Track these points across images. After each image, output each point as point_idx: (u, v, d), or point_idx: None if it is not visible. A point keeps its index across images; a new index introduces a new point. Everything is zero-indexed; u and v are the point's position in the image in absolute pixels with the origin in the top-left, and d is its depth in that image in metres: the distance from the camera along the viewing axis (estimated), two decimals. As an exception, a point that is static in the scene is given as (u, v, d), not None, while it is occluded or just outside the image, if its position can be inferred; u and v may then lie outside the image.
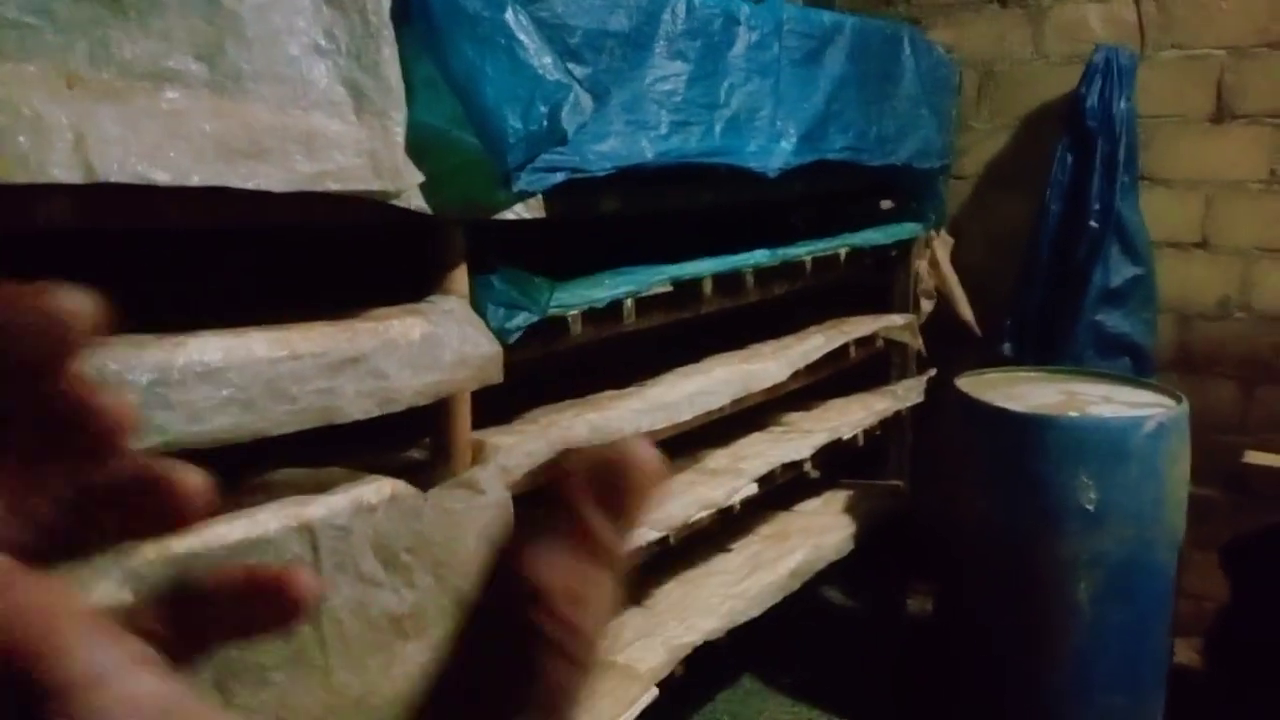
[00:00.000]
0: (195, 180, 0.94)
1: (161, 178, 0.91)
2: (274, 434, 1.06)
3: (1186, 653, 2.57)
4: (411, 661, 1.22)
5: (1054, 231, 2.71)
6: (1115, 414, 2.17)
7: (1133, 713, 2.21)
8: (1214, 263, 2.69)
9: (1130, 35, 2.69)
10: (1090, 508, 2.07)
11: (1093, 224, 2.63)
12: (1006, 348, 2.78)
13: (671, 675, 1.84)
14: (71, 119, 0.86)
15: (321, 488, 1.20)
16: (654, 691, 1.76)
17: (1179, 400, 2.21)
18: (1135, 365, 2.65)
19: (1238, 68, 2.59)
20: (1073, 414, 2.16)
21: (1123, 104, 2.60)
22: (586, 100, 1.20)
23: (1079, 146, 2.66)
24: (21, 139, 0.82)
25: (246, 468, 1.27)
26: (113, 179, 0.87)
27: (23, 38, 0.85)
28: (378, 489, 1.22)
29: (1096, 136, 2.62)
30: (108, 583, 0.99)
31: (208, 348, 1.01)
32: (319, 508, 1.16)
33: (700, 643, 1.92)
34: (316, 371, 1.10)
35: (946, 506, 2.41)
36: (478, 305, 1.40)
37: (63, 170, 0.85)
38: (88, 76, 0.89)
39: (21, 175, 0.82)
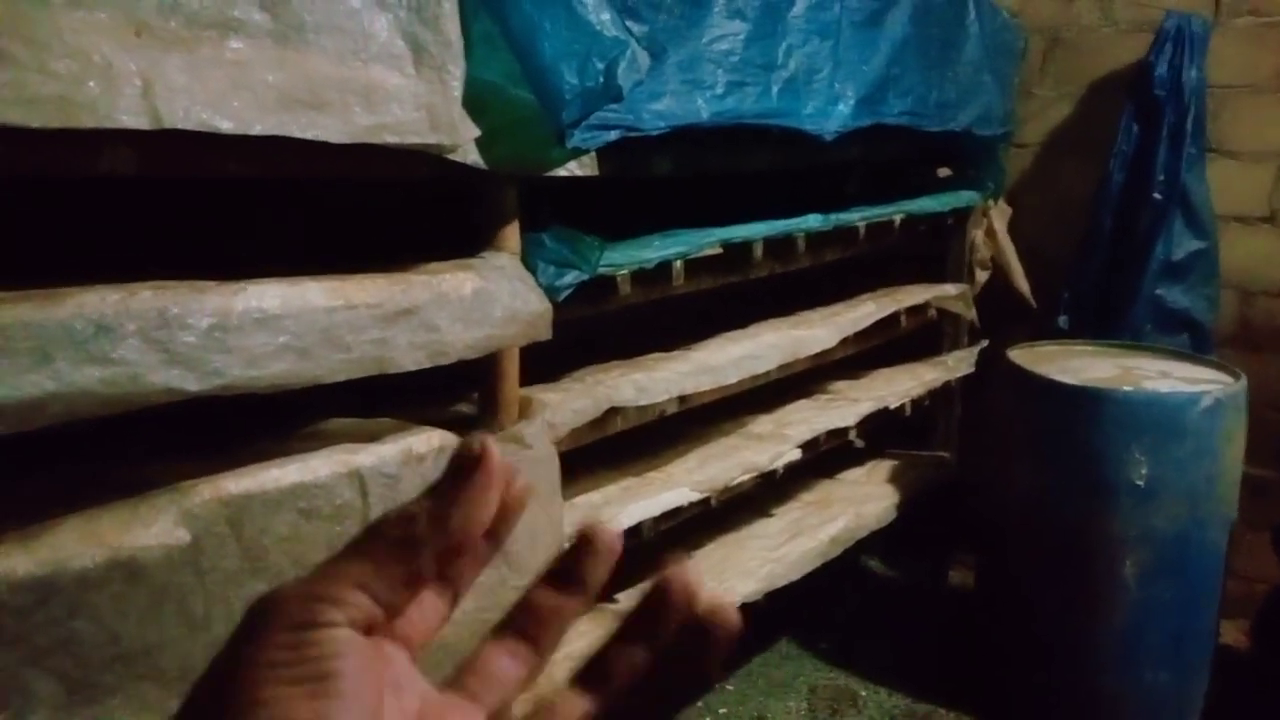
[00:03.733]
0: (257, 129, 0.96)
1: (225, 126, 0.93)
2: (328, 381, 1.08)
3: (1234, 634, 2.54)
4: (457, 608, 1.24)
5: (1116, 203, 2.66)
6: (1171, 389, 2.13)
7: (1177, 691, 2.19)
8: (1282, 238, 2.62)
9: (1203, 2, 2.61)
10: (1141, 484, 2.04)
11: (1156, 196, 2.57)
12: (1062, 320, 2.74)
13: (710, 635, 1.86)
14: (140, 67, 0.88)
15: (372, 437, 1.23)
16: (692, 650, 1.77)
17: (1237, 377, 2.17)
18: (1194, 341, 2.60)
19: (1316, 37, 2.51)
20: (1127, 388, 2.13)
21: (1193, 73, 2.53)
22: (643, 57, 1.20)
23: (1145, 116, 2.60)
24: (91, 84, 0.84)
25: (300, 416, 1.30)
26: (179, 126, 0.89)
27: (93, -15, 0.87)
28: (427, 439, 1.24)
29: (1164, 106, 2.55)
30: (165, 521, 1.03)
31: (266, 295, 1.03)
32: (369, 456, 1.18)
33: (738, 604, 1.93)
34: (371, 322, 1.12)
35: (994, 479, 2.39)
36: (528, 263, 1.41)
37: (130, 116, 0.86)
38: (155, 25, 0.91)
39: (90, 120, 0.84)
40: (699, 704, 2.34)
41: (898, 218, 2.35)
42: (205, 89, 0.91)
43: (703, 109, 1.57)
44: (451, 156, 1.19)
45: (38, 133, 0.83)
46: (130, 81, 0.87)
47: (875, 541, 2.43)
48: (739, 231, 1.83)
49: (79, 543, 0.94)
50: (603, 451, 1.82)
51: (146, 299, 0.94)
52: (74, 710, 0.94)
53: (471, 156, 1.22)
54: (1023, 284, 2.84)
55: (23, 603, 0.90)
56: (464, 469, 0.35)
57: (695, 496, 1.86)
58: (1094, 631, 2.14)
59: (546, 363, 1.62)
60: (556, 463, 1.43)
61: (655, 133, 1.48)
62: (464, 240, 1.37)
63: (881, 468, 2.68)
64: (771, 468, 2.05)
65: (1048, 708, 2.23)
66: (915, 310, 2.55)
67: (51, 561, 0.91)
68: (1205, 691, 2.23)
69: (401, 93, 1.09)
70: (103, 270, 0.97)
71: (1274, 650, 2.53)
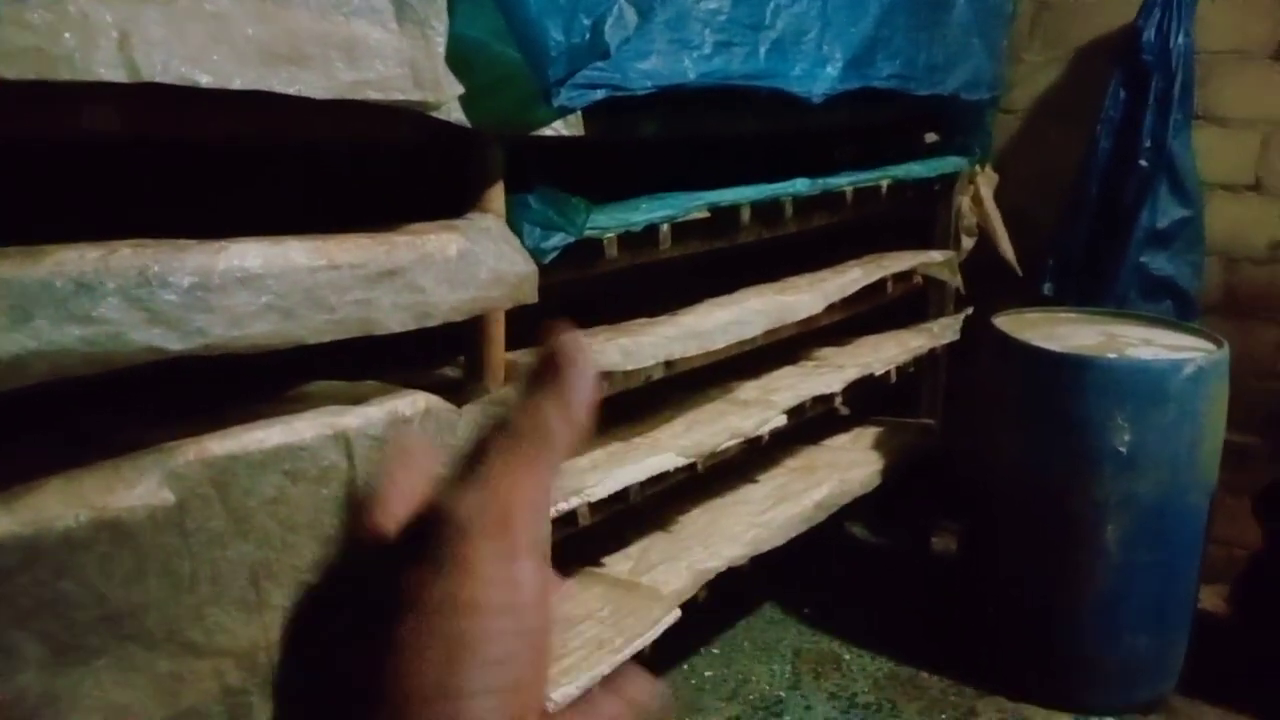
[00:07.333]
0: (237, 84, 0.94)
1: (205, 80, 0.91)
2: (312, 342, 1.07)
3: (1213, 599, 2.57)
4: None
5: (1103, 170, 2.65)
6: (1154, 356, 2.14)
7: (1156, 654, 2.22)
8: (1267, 205, 2.62)
9: (1193, -34, 2.60)
10: (1124, 450, 2.06)
11: (1143, 163, 2.57)
12: (1047, 288, 2.75)
13: (695, 599, 1.87)
14: (117, 18, 0.86)
15: (357, 400, 1.22)
16: (677, 613, 1.78)
17: (1220, 345, 2.18)
18: (1179, 308, 2.61)
19: (1305, 2, 2.50)
20: (1111, 355, 2.14)
21: (1181, 38, 2.52)
22: (631, 15, 1.18)
23: (1133, 82, 2.59)
24: (67, 36, 0.82)
25: (285, 379, 1.29)
26: (157, 79, 0.87)
27: (67, -66, 0.85)
28: (412, 402, 1.24)
29: (1152, 72, 2.54)
30: (149, 482, 1.02)
31: (248, 254, 1.01)
32: (355, 418, 1.17)
33: (724, 568, 1.94)
34: (355, 282, 1.11)
35: (978, 445, 2.40)
36: (514, 224, 1.40)
37: (108, 69, 0.85)
38: (132, -24, 0.89)
39: (67, 73, 0.83)
40: (684, 666, 2.36)
41: (885, 183, 2.35)
42: (184, 42, 0.90)
43: (690, 69, 1.56)
44: (435, 115, 1.18)
45: (15, 87, 0.81)
46: (107, 34, 0.85)
47: (860, 507, 2.45)
48: (727, 195, 1.82)
49: (63, 504, 0.93)
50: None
51: (126, 257, 0.92)
52: (60, 671, 0.94)
53: (455, 115, 1.21)
54: (1008, 250, 2.84)
55: (7, 564, 0.89)
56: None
57: (681, 462, 1.86)
58: (1075, 596, 2.16)
59: (533, 327, 1.61)
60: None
61: (642, 92, 1.47)
62: (448, 202, 1.36)
63: (866, 434, 2.69)
64: (757, 434, 2.06)
65: (1029, 671, 2.26)
66: (901, 277, 2.55)
67: (35, 522, 0.91)
68: (1184, 655, 2.26)
69: (384, 48, 1.07)
70: (88, 232, 0.96)
71: (1253, 615, 2.56)
